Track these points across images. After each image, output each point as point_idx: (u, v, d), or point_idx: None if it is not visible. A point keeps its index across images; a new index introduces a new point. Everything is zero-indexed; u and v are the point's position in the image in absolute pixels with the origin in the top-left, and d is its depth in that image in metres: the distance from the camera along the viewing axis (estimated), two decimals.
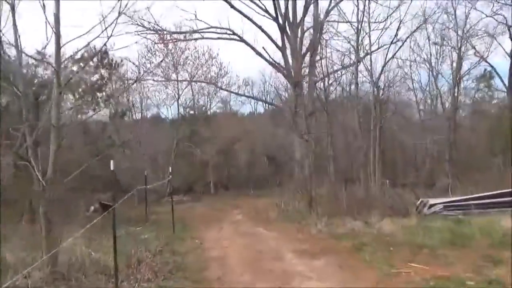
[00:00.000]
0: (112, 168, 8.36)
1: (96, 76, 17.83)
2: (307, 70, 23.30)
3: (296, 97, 23.25)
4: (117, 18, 7.88)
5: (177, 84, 28.45)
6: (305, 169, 18.84)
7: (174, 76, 27.90)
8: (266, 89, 36.50)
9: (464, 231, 11.55)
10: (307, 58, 23.06)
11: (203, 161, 29.18)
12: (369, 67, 18.47)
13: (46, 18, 7.81)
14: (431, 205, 14.38)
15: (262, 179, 29.61)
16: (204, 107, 31.28)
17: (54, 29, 7.91)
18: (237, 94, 30.27)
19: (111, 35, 7.71)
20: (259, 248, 10.98)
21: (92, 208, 16.60)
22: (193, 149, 27.81)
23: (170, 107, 29.75)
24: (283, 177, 27.15)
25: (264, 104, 39.88)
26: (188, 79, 28.13)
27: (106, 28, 7.97)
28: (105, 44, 9.11)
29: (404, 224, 12.89)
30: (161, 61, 24.20)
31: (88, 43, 7.92)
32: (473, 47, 22.27)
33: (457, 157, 20.42)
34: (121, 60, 20.63)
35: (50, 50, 8.77)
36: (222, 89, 28.84)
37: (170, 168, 15.02)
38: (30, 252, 9.03)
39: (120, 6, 8.08)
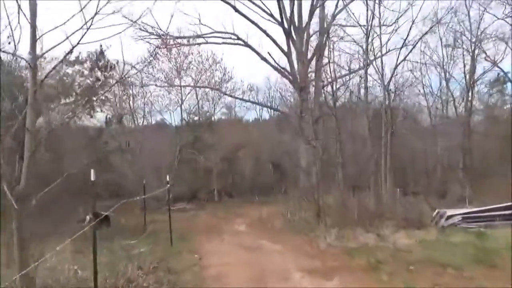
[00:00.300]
0: (92, 178, 7.34)
1: (91, 79, 16.74)
2: (313, 75, 22.29)
3: (302, 102, 22.20)
4: (98, 9, 6.77)
5: (180, 89, 27.36)
6: (312, 176, 17.67)
7: (177, 81, 26.85)
8: (272, 95, 35.37)
9: (488, 246, 10.32)
10: (313, 63, 22.05)
11: (207, 168, 28.00)
12: (380, 70, 17.27)
13: (20, 8, 6.72)
14: (449, 217, 13.13)
15: (267, 187, 28.37)
16: (208, 113, 30.04)
17: (29, 20, 6.82)
18: (241, 99, 29.02)
19: (90, 26, 6.58)
20: (263, 265, 9.77)
21: (88, 217, 15.41)
22: (196, 156, 26.64)
23: (173, 112, 28.51)
24: (288, 185, 25.91)
25: (269, 111, 38.71)
26: (192, 84, 27.08)
27: (87, 22, 6.86)
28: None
29: (422, 237, 11.66)
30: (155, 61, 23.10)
31: (67, 37, 6.76)
32: (484, 52, 21.14)
33: (471, 164, 19.11)
34: (117, 62, 19.53)
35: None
36: (226, 94, 27.71)
37: (168, 176, 13.63)
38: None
39: None
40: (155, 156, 28.55)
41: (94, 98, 16.33)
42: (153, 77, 25.92)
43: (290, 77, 23.76)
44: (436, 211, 13.73)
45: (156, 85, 26.52)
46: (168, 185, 12.82)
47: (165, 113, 29.65)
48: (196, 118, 29.74)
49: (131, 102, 26.05)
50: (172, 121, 29.67)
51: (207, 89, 27.92)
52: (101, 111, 18.62)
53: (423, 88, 23.05)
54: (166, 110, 28.46)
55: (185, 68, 26.40)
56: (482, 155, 20.59)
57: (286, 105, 28.44)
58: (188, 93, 27.58)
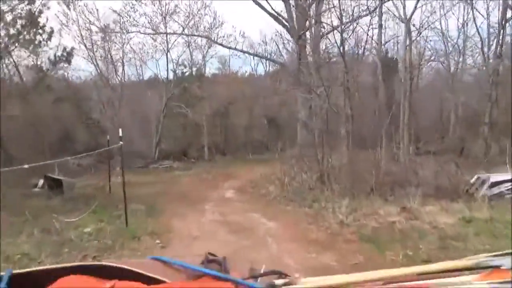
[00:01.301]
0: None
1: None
2: (313, 21, 18.44)
3: (301, 49, 18.51)
4: None
5: (166, 36, 23.22)
6: (312, 131, 14.12)
7: (162, 27, 22.67)
8: (266, 50, 30.98)
9: None
10: (314, 7, 18.10)
11: (197, 124, 24.21)
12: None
13: None
14: (494, 184, 9.61)
15: (262, 144, 24.81)
16: (198, 64, 25.83)
17: None
18: (233, 49, 24.45)
19: None
20: (253, 260, 6.27)
21: (41, 181, 11.82)
22: (184, 109, 22.83)
23: (158, 61, 24.37)
24: (285, 142, 22.33)
25: (264, 65, 34.08)
26: (178, 31, 22.92)
27: None
28: None
29: (467, 214, 8.14)
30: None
31: None
32: None
33: (497, 118, 15.46)
34: None
35: None
36: (216, 43, 23.46)
37: (120, 131, 9.85)
38: None
39: None
40: (141, 111, 24.82)
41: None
42: (135, 22, 21.84)
43: (287, 24, 19.92)
44: (476, 176, 10.18)
45: (139, 32, 22.43)
46: (121, 142, 9.17)
47: (149, 63, 25.37)
48: (185, 69, 25.71)
49: (109, 50, 21.91)
50: (158, 72, 25.49)
51: (196, 37, 23.77)
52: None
53: (446, 24, 18.80)
54: (149, 59, 24.34)
55: (171, 12, 22.23)
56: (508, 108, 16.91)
57: (283, 56, 24.28)
58: (175, 40, 23.45)
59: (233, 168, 18.49)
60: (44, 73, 15.82)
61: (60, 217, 8.01)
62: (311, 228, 8.03)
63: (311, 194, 10.85)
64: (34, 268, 0.96)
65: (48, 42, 14.87)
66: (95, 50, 21.74)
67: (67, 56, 14.97)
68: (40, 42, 14.41)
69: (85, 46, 21.54)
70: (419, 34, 13.36)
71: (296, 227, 8.16)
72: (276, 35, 21.73)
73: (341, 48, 12.38)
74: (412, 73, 13.12)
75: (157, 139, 23.04)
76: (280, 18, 20.05)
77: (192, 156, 23.49)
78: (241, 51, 24.27)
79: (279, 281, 0.91)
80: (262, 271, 1.04)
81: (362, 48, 14.53)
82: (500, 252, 0.87)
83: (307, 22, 19.82)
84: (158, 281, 0.92)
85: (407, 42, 12.52)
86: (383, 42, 14.08)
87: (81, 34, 21.24)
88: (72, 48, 15.62)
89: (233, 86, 26.26)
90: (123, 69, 22.49)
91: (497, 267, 0.82)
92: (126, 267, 0.94)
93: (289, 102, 22.90)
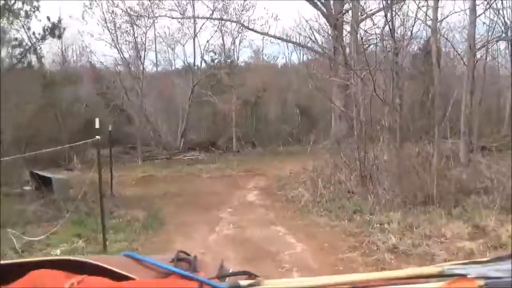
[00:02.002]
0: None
1: None
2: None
3: (338, 31, 16.12)
4: None
5: (194, 20, 21.00)
6: (351, 123, 11.65)
7: (190, 9, 20.45)
8: (301, 36, 28.10)
9: None
10: None
11: (227, 113, 21.92)
12: None
13: None
14: None
15: (294, 135, 22.27)
16: (228, 51, 23.38)
17: None
18: (265, 34, 21.91)
19: None
20: None
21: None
22: (212, 97, 20.58)
23: (184, 46, 22.08)
24: (318, 133, 19.79)
25: (298, 53, 31.13)
26: (207, 15, 20.62)
27: None
28: None
29: None
30: None
31: None
32: None
33: None
34: None
35: None
36: (247, 27, 21.06)
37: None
38: None
39: None
40: (168, 99, 22.82)
41: None
42: (162, 4, 19.71)
43: (324, 9, 17.41)
44: None
45: (166, 15, 20.31)
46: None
47: (178, 50, 23.06)
48: (215, 56, 23.36)
49: (134, 35, 19.87)
50: (184, 58, 23.26)
51: (226, 22, 21.37)
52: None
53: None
54: (174, 43, 22.19)
55: None
56: None
57: (317, 42, 21.45)
58: (203, 24, 21.16)
59: (261, 162, 16.17)
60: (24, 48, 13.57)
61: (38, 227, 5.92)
62: (354, 258, 5.61)
63: (351, 201, 8.39)
64: (4, 262, 0.90)
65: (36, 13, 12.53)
66: (119, 35, 19.87)
67: (52, 28, 12.81)
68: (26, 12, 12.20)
69: (109, 30, 19.74)
70: (489, 7, 10.44)
71: (334, 255, 5.76)
72: (311, 19, 19.14)
73: (390, 24, 9.73)
74: (475, 56, 10.33)
75: (182, 128, 20.92)
76: (315, 0, 17.64)
77: (220, 147, 21.28)
78: (273, 36, 21.76)
79: (243, 282, 0.87)
80: (231, 271, 1.00)
81: (410, 29, 11.72)
82: (467, 261, 0.85)
83: (345, 4, 17.36)
84: (128, 278, 0.86)
85: (473, 16, 9.76)
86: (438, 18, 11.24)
87: (105, 18, 19.45)
88: (60, 20, 13.38)
89: (265, 74, 23.79)
90: (144, 55, 20.33)
91: (463, 275, 0.79)
92: (97, 263, 0.89)
93: (324, 90, 20.32)
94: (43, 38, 12.94)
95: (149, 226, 7.19)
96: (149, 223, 7.37)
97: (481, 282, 0.77)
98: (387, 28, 9.92)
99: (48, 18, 13.40)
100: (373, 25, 13.65)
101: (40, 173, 8.82)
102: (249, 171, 13.83)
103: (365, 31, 13.74)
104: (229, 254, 5.85)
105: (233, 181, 12.19)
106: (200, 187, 11.34)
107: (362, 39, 12.61)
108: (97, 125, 6.18)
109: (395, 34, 10.48)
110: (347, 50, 12.88)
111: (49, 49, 19.89)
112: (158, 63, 23.76)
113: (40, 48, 17.10)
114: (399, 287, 0.81)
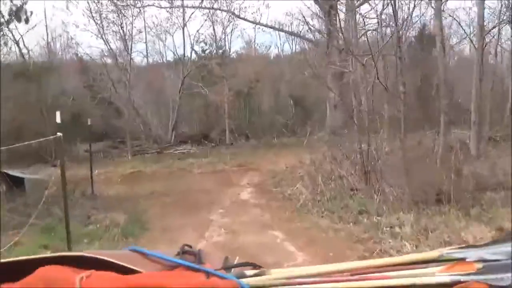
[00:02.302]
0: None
1: None
2: None
3: (331, 22, 15.30)
4: None
5: (183, 9, 19.89)
6: (351, 112, 10.72)
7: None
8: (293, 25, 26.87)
9: None
10: None
11: (219, 105, 20.85)
12: None
13: None
14: None
15: (288, 126, 21.27)
16: (219, 41, 22.19)
17: None
18: (256, 23, 20.79)
19: None
20: None
21: None
22: (202, 88, 19.53)
23: (173, 36, 20.90)
24: (313, 125, 18.86)
25: (291, 43, 29.81)
26: (196, 3, 19.50)
27: None
28: None
29: None
30: None
31: None
32: None
33: None
34: None
35: None
36: (238, 16, 19.96)
37: (58, 114, 6.54)
38: None
39: None
40: (158, 92, 21.70)
41: None
42: None
43: None
44: None
45: (154, 5, 19.18)
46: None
47: (164, 38, 21.74)
48: (206, 46, 22.18)
49: (120, 25, 18.70)
50: (174, 49, 22.08)
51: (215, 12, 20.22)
52: None
53: None
54: (163, 33, 21.03)
55: None
56: None
57: (311, 30, 20.32)
58: (192, 13, 20.05)
59: (255, 155, 15.24)
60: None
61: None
62: None
63: (356, 200, 7.48)
64: (15, 258, 0.89)
65: None
66: (105, 25, 18.72)
67: (17, 11, 11.60)
68: None
69: (94, 20, 18.59)
70: None
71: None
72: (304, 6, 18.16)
73: (393, 4, 8.77)
74: (484, 39, 9.41)
75: (173, 121, 19.86)
76: None
77: (213, 140, 20.25)
78: (265, 25, 20.73)
79: (249, 272, 0.89)
80: (235, 262, 0.99)
81: (411, 13, 10.75)
82: (465, 245, 0.83)
83: None
84: (134, 272, 0.86)
85: None
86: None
87: (90, 8, 18.29)
88: (24, 2, 12.14)
89: (257, 65, 22.71)
90: (131, 46, 19.16)
91: (462, 259, 0.79)
92: (104, 258, 0.88)
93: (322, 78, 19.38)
94: (9, 22, 11.70)
95: (130, 233, 6.22)
96: (129, 229, 6.40)
97: (480, 265, 0.77)
98: (386, 11, 9.00)
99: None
100: (372, 8, 12.79)
101: (11, 172, 7.80)
102: (243, 166, 12.88)
103: (363, 15, 12.86)
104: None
105: (225, 177, 11.24)
106: (190, 184, 10.37)
107: (364, 21, 11.72)
108: (58, 119, 5.16)
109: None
110: (344, 35, 11.88)
111: (36, 42, 18.88)
112: (148, 54, 22.57)
113: (21, 39, 16.15)
114: (399, 273, 0.80)
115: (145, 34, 20.63)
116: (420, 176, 7.48)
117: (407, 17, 9.96)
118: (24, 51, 17.23)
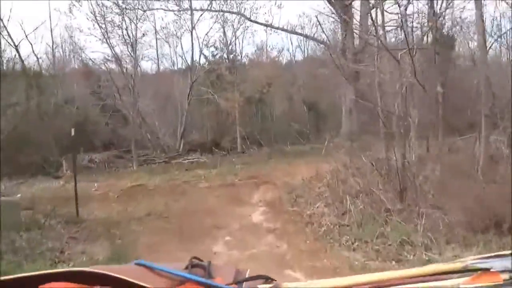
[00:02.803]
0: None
1: None
2: None
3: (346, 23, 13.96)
4: None
5: (191, 12, 18.55)
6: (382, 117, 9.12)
7: (186, 1, 18.03)
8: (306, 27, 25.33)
9: None
10: None
11: (229, 112, 19.41)
12: None
13: None
14: None
15: (302, 133, 19.67)
16: (230, 46, 20.77)
17: None
18: (268, 26, 19.38)
19: None
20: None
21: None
22: (212, 95, 18.10)
23: (180, 38, 19.51)
24: (328, 131, 17.26)
25: (303, 49, 28.07)
26: (205, 6, 18.16)
27: None
28: None
29: None
30: None
31: None
32: None
33: None
34: None
35: None
36: (248, 19, 18.55)
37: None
38: None
39: None
40: (167, 99, 20.32)
41: None
42: None
43: None
44: None
45: (161, 8, 17.92)
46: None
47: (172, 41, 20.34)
48: (215, 51, 20.75)
49: (126, 29, 17.38)
50: (182, 53, 20.70)
51: (226, 14, 18.83)
52: None
53: None
54: (171, 37, 19.69)
55: None
56: None
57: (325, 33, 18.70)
58: (201, 15, 18.68)
59: (267, 164, 13.70)
60: None
61: None
62: None
63: (393, 226, 5.88)
64: (20, 275, 0.82)
65: None
66: (109, 29, 17.43)
67: None
68: None
69: (98, 24, 17.31)
70: None
71: None
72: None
73: None
74: None
75: (181, 129, 18.47)
76: None
77: (224, 148, 18.77)
78: (277, 28, 19.29)
79: (262, 286, 0.83)
80: (247, 276, 0.91)
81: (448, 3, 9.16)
82: (490, 254, 0.76)
83: None
84: (141, 287, 0.81)
85: None
86: None
87: (94, 12, 17.03)
88: None
89: (269, 70, 21.23)
90: (135, 50, 17.79)
91: (486, 269, 0.73)
92: (110, 273, 0.82)
93: (332, 84, 17.82)
94: None
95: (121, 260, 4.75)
96: (120, 257, 4.92)
97: (506, 276, 0.72)
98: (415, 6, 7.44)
99: None
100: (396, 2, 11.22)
101: None
102: (254, 178, 11.33)
103: (386, 11, 11.28)
104: None
105: (235, 192, 9.70)
106: (194, 202, 8.86)
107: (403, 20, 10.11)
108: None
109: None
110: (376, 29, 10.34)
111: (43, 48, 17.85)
112: (159, 61, 21.29)
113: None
114: (422, 285, 0.74)
115: (156, 41, 19.40)
116: (469, 196, 5.88)
117: (444, 10, 8.34)
118: (24, 56, 16.14)
